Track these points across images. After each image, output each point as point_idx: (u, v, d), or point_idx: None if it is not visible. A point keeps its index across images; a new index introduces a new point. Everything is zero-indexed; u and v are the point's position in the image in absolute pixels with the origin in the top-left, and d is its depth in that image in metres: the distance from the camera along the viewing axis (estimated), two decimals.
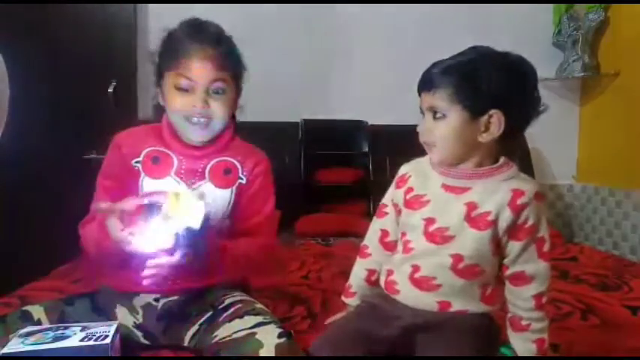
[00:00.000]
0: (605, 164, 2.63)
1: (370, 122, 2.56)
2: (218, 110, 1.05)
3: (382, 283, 1.00)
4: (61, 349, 0.80)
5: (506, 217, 0.87)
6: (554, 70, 2.68)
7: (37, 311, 0.95)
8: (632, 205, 2.44)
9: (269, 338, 0.85)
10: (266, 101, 2.21)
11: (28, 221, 2.27)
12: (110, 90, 2.37)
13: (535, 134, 2.63)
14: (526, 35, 2.67)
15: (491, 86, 0.85)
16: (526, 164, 2.56)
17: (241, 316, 0.93)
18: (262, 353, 0.82)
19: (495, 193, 0.88)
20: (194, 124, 1.05)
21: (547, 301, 0.90)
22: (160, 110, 1.14)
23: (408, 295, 0.93)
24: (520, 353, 0.92)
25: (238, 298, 1.02)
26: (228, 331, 0.90)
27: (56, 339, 0.82)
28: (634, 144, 2.40)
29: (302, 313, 1.24)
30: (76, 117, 2.38)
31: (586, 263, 1.83)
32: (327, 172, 2.43)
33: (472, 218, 0.88)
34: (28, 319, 0.93)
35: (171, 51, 1.05)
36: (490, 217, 0.88)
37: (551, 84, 2.72)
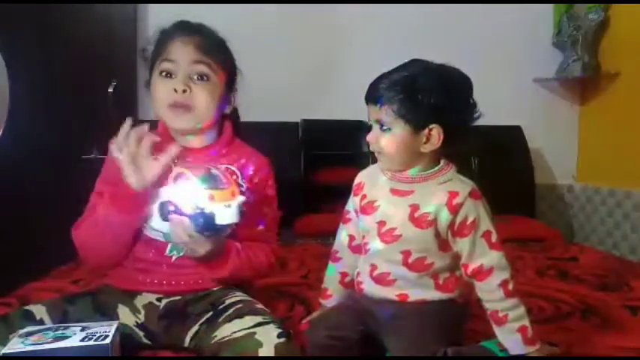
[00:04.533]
0: (605, 164, 2.63)
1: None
2: (200, 97, 1.04)
3: (355, 284, 1.08)
4: (61, 349, 0.80)
5: (445, 217, 0.96)
6: (554, 70, 2.69)
7: (39, 310, 0.95)
8: (632, 205, 2.44)
9: (268, 338, 0.85)
10: (266, 101, 2.21)
11: (28, 221, 2.27)
12: (110, 90, 2.37)
13: (535, 134, 2.64)
14: (526, 35, 2.68)
15: (432, 102, 0.93)
16: (526, 164, 2.56)
17: (241, 317, 0.93)
18: (261, 353, 0.82)
19: (434, 195, 0.98)
20: (176, 110, 1.04)
21: (514, 289, 0.96)
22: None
23: (372, 291, 1.03)
24: (507, 346, 0.95)
25: (239, 298, 1.02)
26: (227, 331, 0.90)
27: (56, 339, 0.82)
28: (634, 144, 2.40)
29: (302, 313, 1.24)
30: (76, 117, 2.38)
31: (586, 263, 1.83)
32: (327, 172, 2.43)
33: (415, 218, 0.97)
34: (30, 318, 0.93)
35: (159, 43, 1.09)
36: (430, 217, 0.97)
37: (551, 84, 2.72)
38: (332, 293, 1.14)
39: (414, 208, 0.98)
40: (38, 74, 2.33)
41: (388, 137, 0.97)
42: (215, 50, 1.08)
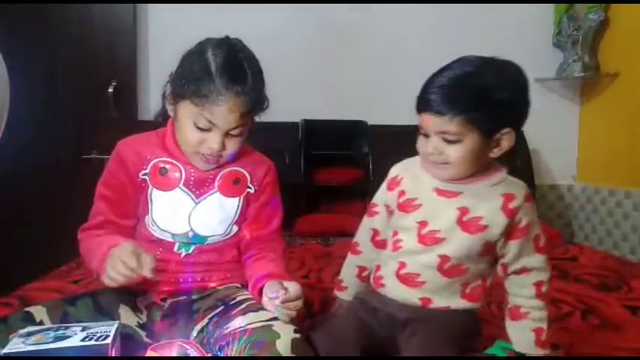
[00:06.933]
0: (605, 164, 2.64)
1: (370, 122, 2.56)
2: (232, 149, 1.03)
3: (371, 279, 1.04)
4: (61, 349, 0.80)
5: (500, 222, 0.90)
6: (554, 70, 2.69)
7: (38, 312, 0.94)
8: (632, 205, 2.44)
9: (286, 331, 0.86)
10: None
11: (28, 221, 2.27)
12: (110, 90, 2.37)
13: (535, 134, 2.64)
14: (526, 35, 2.68)
15: (505, 107, 0.85)
16: (526, 164, 2.56)
17: (256, 311, 0.94)
18: (279, 344, 0.83)
19: (486, 198, 0.91)
20: (204, 159, 1.03)
21: (547, 292, 0.93)
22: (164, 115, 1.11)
23: (393, 290, 0.97)
24: (516, 343, 0.93)
25: (249, 296, 1.03)
26: (242, 322, 0.90)
27: (57, 339, 0.82)
28: (634, 144, 2.40)
29: (302, 313, 1.24)
30: (76, 117, 2.39)
31: (586, 263, 1.83)
32: (327, 172, 2.43)
33: (464, 222, 0.91)
34: (29, 320, 0.92)
35: (199, 85, 0.96)
36: (482, 222, 0.90)
37: (551, 84, 2.72)
38: (347, 286, 1.11)
39: (464, 211, 0.91)
40: (38, 75, 2.33)
41: (457, 149, 0.87)
42: (257, 108, 1.04)
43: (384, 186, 1.03)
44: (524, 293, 0.93)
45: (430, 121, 0.87)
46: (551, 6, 2.70)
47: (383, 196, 1.03)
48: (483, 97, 0.84)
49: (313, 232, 2.19)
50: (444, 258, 0.92)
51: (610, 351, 1.09)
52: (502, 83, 0.85)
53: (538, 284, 0.92)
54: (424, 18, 2.61)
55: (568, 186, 2.83)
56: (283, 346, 0.83)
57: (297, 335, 0.87)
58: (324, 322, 1.04)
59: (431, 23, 2.61)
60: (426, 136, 0.90)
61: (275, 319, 0.90)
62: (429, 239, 0.93)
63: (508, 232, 0.91)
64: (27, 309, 0.96)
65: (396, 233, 0.99)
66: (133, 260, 0.87)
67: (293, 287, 0.96)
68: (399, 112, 2.50)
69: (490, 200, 0.90)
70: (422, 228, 0.93)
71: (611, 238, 2.56)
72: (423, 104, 0.87)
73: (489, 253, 0.94)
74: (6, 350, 0.79)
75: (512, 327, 0.94)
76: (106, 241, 0.97)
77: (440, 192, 0.93)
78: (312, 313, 1.24)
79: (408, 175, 0.99)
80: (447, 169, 0.90)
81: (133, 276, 0.87)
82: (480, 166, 0.90)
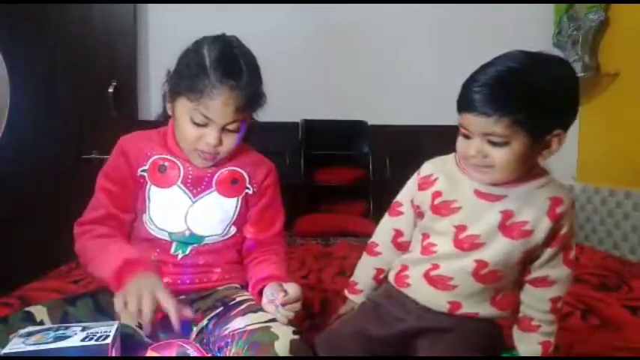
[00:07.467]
0: (605, 164, 2.64)
1: (370, 122, 2.56)
2: (229, 144, 1.03)
3: (392, 277, 0.97)
4: (61, 349, 0.80)
5: (544, 227, 0.85)
6: None
7: (39, 312, 0.94)
8: (632, 205, 2.44)
9: (284, 332, 0.86)
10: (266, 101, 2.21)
11: (28, 221, 2.27)
12: (110, 90, 2.37)
13: None
14: (526, 35, 2.68)
15: (555, 107, 0.78)
16: None
17: (255, 312, 0.94)
18: (277, 346, 0.83)
19: (532, 202, 0.85)
20: (202, 155, 1.04)
21: (561, 307, 0.90)
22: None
23: (419, 291, 0.91)
24: (521, 352, 0.92)
25: (249, 297, 1.03)
26: (241, 323, 0.90)
27: (57, 339, 0.82)
28: (634, 144, 2.40)
29: (302, 313, 1.24)
30: (76, 117, 2.39)
31: (586, 263, 1.83)
32: (327, 172, 2.44)
33: (506, 227, 0.85)
34: (30, 320, 0.92)
35: (194, 81, 0.96)
36: (526, 227, 0.85)
37: None
38: (363, 289, 1.04)
39: (507, 215, 0.85)
40: (38, 75, 2.34)
41: (503, 152, 0.80)
42: (254, 104, 1.03)
43: (412, 184, 0.96)
44: (539, 307, 0.90)
45: (473, 122, 0.80)
46: (551, 6, 2.71)
47: (412, 195, 0.96)
48: (532, 97, 0.77)
49: (313, 232, 2.19)
50: (481, 263, 0.86)
51: (610, 351, 1.09)
52: (551, 81, 0.78)
53: (555, 300, 0.89)
54: (424, 18, 2.61)
55: (568, 186, 2.83)
56: (282, 348, 0.83)
57: (296, 336, 0.87)
58: (329, 331, 0.99)
59: (431, 23, 2.61)
60: (467, 137, 0.83)
61: (274, 320, 0.91)
62: (467, 244, 0.87)
63: (549, 238, 0.86)
64: (27, 309, 0.96)
65: (426, 236, 0.92)
66: (150, 305, 0.87)
67: (292, 289, 0.96)
68: (399, 112, 2.51)
69: (536, 204, 0.85)
70: (460, 232, 0.87)
71: (611, 238, 2.56)
72: (466, 104, 0.81)
73: (527, 260, 0.89)
74: (6, 350, 0.79)
75: (520, 337, 0.92)
76: (115, 248, 0.97)
77: (481, 195, 0.86)
78: (311, 314, 1.24)
79: (443, 174, 0.91)
80: (489, 172, 0.83)
81: (136, 314, 0.87)
82: (524, 170, 0.84)
